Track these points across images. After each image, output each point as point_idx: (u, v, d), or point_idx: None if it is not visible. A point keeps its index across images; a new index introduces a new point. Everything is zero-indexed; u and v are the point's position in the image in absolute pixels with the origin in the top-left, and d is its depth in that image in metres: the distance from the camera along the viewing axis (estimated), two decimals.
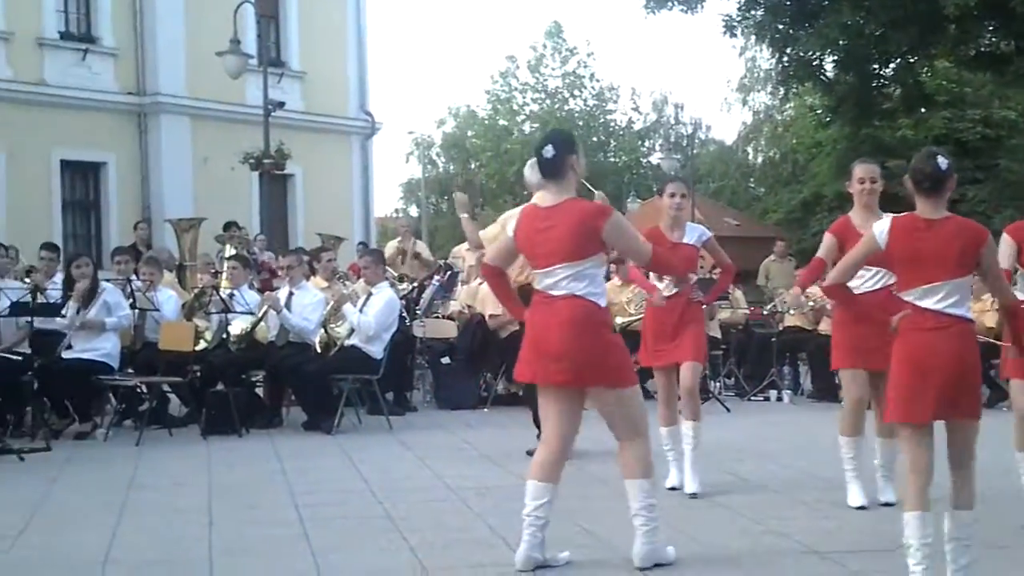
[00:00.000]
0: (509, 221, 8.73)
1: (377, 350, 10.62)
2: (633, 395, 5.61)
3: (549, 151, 5.59)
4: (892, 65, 22.43)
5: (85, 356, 10.20)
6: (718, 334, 13.18)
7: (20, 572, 5.59)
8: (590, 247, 5.47)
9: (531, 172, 9.25)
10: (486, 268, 6.01)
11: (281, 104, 21.54)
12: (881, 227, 5.12)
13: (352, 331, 10.67)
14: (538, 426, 8.88)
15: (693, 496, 7.25)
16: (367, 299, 10.83)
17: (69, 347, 10.38)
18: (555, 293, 5.47)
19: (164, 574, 5.55)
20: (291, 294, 11.11)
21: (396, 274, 13.57)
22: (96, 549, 5.99)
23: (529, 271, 6.80)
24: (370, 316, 10.64)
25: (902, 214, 5.20)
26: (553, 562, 5.54)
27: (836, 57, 21.98)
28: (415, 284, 13.45)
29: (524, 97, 43.54)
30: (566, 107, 42.94)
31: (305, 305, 11.03)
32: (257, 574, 5.52)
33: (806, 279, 7.67)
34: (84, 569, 5.60)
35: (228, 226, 17.13)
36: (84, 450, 9.56)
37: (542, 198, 5.69)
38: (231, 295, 11.07)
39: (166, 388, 10.88)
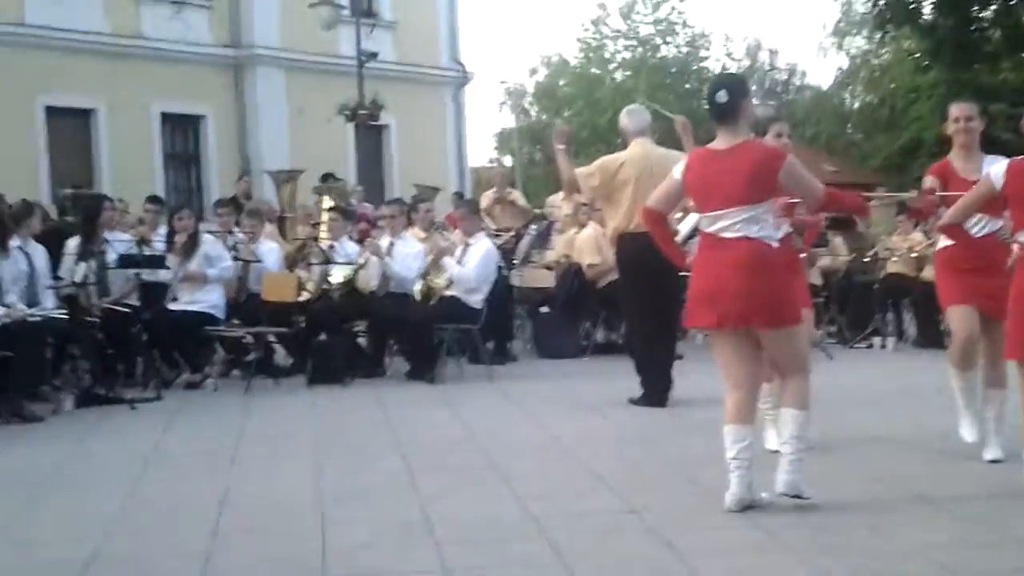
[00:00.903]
0: (634, 162, 8.71)
1: (477, 300, 10.68)
2: (801, 332, 5.69)
3: (723, 96, 5.54)
4: (992, 7, 21.90)
5: (191, 308, 10.41)
6: (819, 281, 13.05)
7: (139, 519, 5.75)
8: (766, 190, 5.50)
9: (628, 119, 9.21)
10: (647, 212, 5.96)
11: (374, 55, 21.65)
12: (998, 170, 5.12)
13: (451, 282, 10.73)
14: (640, 374, 8.94)
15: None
16: (464, 250, 10.88)
17: (175, 299, 10.60)
18: (728, 236, 5.47)
19: (275, 520, 5.66)
20: (391, 244, 11.21)
21: (494, 227, 13.55)
22: (210, 496, 6.13)
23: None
24: (469, 268, 10.70)
25: (1019, 157, 5.16)
26: (758, 502, 5.56)
27: (934, 0, 21.52)
28: (512, 234, 13.46)
29: (615, 44, 43.19)
30: (658, 54, 42.49)
31: (406, 255, 11.12)
32: (366, 520, 5.60)
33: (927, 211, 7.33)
34: (200, 516, 5.73)
35: (326, 177, 17.24)
36: (194, 399, 9.79)
37: (716, 141, 5.62)
38: (331, 246, 11.20)
39: (271, 338, 11.04)
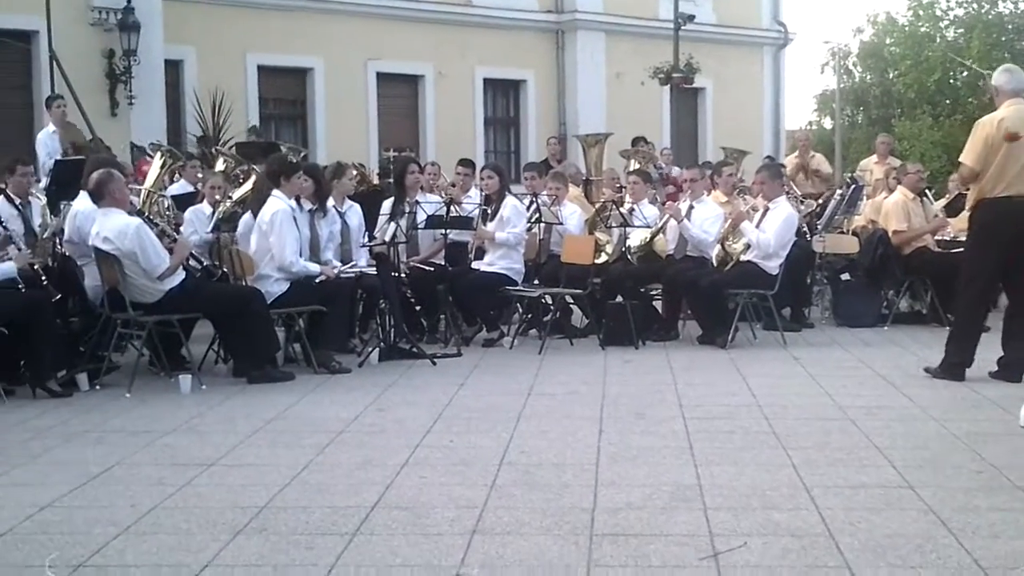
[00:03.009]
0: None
1: (774, 266, 10.55)
2: None
3: None
4: None
5: (492, 269, 10.74)
6: None
7: (423, 468, 6.03)
8: None
9: (1004, 77, 8.58)
10: None
11: (691, 17, 21.61)
12: None
13: (748, 247, 10.65)
14: (951, 343, 8.57)
15: None
16: (764, 214, 10.76)
17: (480, 258, 10.97)
18: None
19: (552, 477, 5.81)
20: (691, 207, 11.21)
21: (799, 193, 13.33)
22: (493, 451, 6.39)
23: None
24: (769, 233, 10.57)
25: None
26: None
27: None
28: (818, 202, 13.19)
29: (949, 2, 41.23)
30: (995, 10, 40.29)
31: (705, 219, 11.10)
32: (640, 481, 5.68)
33: None
34: (480, 468, 5.98)
35: (636, 141, 17.44)
36: (491, 357, 10.11)
37: None
38: (631, 210, 11.31)
39: (569, 300, 11.27)
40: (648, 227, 11.18)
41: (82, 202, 8.98)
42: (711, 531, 4.85)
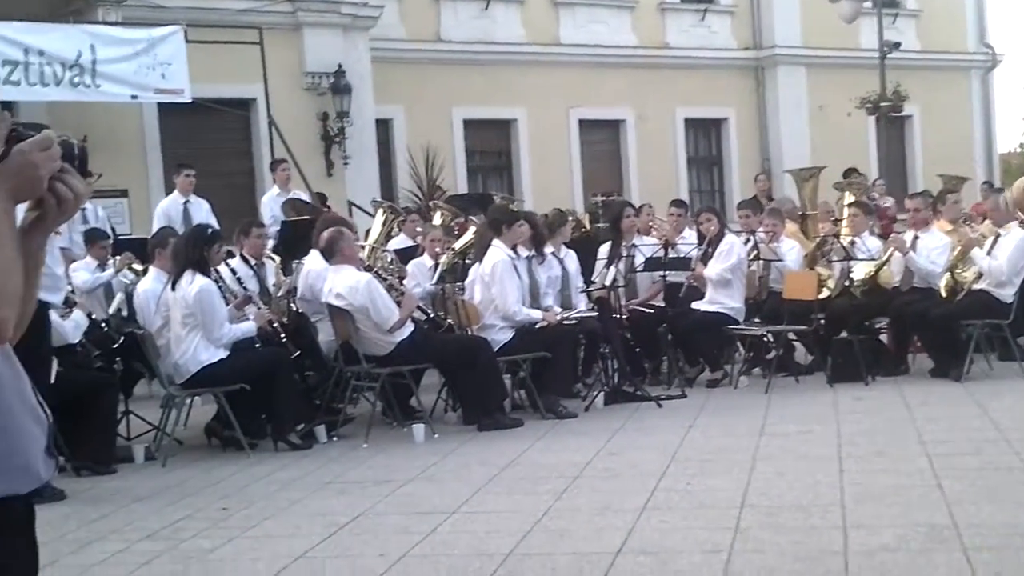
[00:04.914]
0: None
1: (1008, 294, 10.17)
2: None
3: None
4: None
5: (711, 309, 10.65)
6: None
7: (663, 512, 6.00)
8: None
9: None
10: None
11: (897, 45, 21.19)
12: None
13: (980, 275, 10.29)
14: None
15: None
16: (995, 241, 10.39)
17: (701, 298, 10.89)
18: None
19: (798, 519, 5.71)
20: (916, 237, 10.91)
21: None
22: (733, 493, 6.30)
23: None
24: (1001, 260, 10.21)
25: None
26: None
27: None
28: None
29: None
30: None
31: (931, 249, 10.77)
32: (890, 522, 5.53)
33: None
34: (722, 511, 5.91)
35: (848, 173, 17.11)
36: (716, 397, 9.99)
37: None
38: (852, 242, 11.08)
39: (792, 336, 11.07)
40: (872, 259, 10.90)
41: (313, 260, 9.28)
42: (974, 573, 4.67)
